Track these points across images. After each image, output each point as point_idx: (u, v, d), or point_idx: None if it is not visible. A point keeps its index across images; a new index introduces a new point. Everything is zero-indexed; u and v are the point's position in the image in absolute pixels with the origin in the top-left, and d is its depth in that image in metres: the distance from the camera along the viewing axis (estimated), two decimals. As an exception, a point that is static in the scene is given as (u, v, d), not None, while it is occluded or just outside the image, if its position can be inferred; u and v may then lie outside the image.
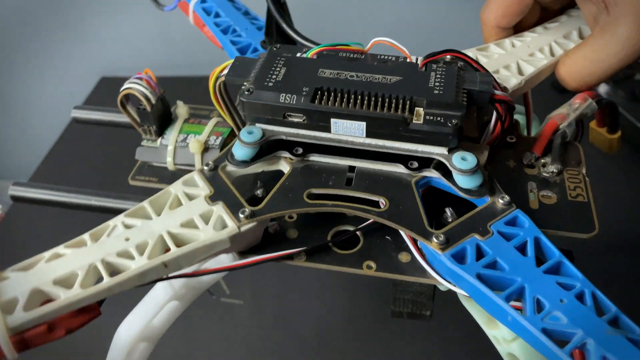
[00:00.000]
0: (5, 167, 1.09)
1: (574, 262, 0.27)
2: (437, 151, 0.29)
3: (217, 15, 0.44)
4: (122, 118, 0.42)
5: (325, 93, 0.29)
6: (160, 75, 0.98)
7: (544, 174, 0.34)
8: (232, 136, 0.37)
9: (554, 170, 0.34)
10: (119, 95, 0.36)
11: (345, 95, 0.29)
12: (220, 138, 0.36)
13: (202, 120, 0.38)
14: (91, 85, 0.98)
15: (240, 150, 0.31)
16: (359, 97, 0.29)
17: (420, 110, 0.29)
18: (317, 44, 0.36)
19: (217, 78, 0.33)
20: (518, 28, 0.41)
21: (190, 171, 0.33)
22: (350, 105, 0.29)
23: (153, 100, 0.36)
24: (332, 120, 0.29)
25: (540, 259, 0.27)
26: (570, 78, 0.37)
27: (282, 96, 0.29)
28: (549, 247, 0.27)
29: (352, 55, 0.33)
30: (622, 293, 0.31)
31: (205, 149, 0.36)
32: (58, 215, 0.72)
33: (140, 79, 0.36)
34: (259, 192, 0.33)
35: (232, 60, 0.32)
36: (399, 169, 0.30)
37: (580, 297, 0.25)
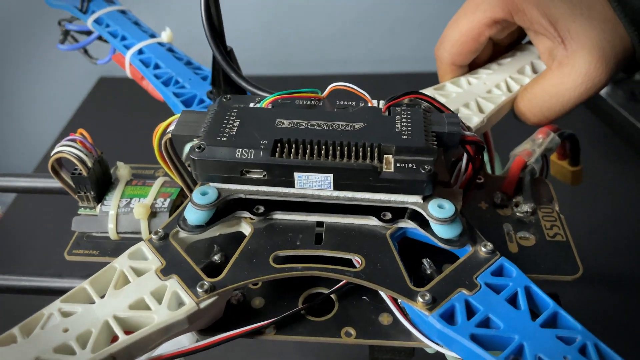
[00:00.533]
0: (5, 167, 1.08)
1: (561, 306, 0.25)
2: (411, 200, 0.27)
3: (156, 66, 0.41)
4: (53, 183, 0.38)
5: (286, 145, 0.27)
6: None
7: (518, 214, 0.33)
8: (182, 197, 0.33)
9: (528, 210, 0.32)
10: (49, 160, 0.32)
11: (309, 146, 0.27)
12: (168, 200, 0.32)
13: (147, 181, 0.34)
14: (90, 85, 0.96)
15: (193, 214, 0.27)
16: (324, 147, 0.27)
17: (390, 157, 0.27)
18: (270, 92, 0.33)
19: (162, 135, 0.29)
20: (472, 65, 0.40)
21: (136, 240, 0.30)
22: (314, 156, 0.27)
23: (89, 164, 0.32)
24: (296, 174, 0.27)
25: (533, 311, 0.25)
26: (530, 113, 0.37)
27: (239, 151, 0.26)
28: (541, 297, 0.25)
29: (309, 102, 0.31)
30: (615, 335, 0.30)
31: (152, 213, 0.32)
32: (56, 216, 0.68)
33: (74, 140, 0.32)
34: (216, 257, 0.29)
35: (177, 115, 0.29)
36: (371, 221, 0.28)
37: (583, 350, 0.23)
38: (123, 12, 0.48)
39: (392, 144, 0.27)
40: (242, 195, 0.28)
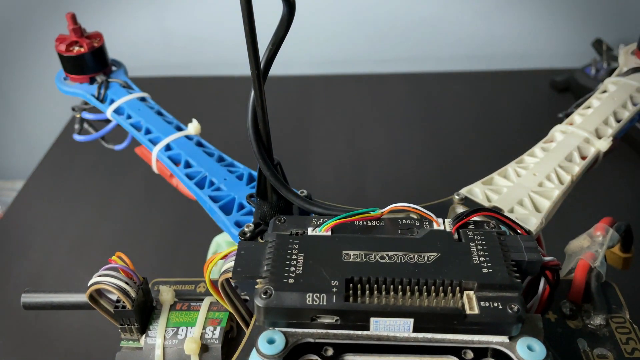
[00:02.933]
0: (5, 167, 1.09)
1: None
2: (496, 340, 0.25)
3: (187, 164, 0.39)
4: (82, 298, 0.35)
5: (359, 286, 0.25)
6: (159, 75, 0.89)
7: (590, 326, 0.31)
8: (231, 321, 0.31)
9: (602, 323, 0.31)
10: (87, 291, 0.30)
11: (384, 286, 0.25)
12: (218, 329, 0.30)
13: (192, 305, 0.32)
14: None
15: (260, 364, 0.25)
16: (400, 286, 0.25)
17: (471, 294, 0.25)
18: (319, 205, 0.32)
19: (211, 269, 0.27)
20: None
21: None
22: (392, 299, 0.25)
23: (133, 294, 0.29)
24: (373, 319, 0.25)
25: None
26: None
27: (309, 297, 0.24)
28: None
29: (368, 223, 0.29)
30: None
31: (204, 347, 0.29)
32: (56, 216, 0.70)
33: (115, 269, 0.30)
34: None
35: (231, 249, 0.27)
36: (451, 361, 0.26)
37: None
38: (143, 99, 0.46)
39: (473, 280, 0.25)
40: (311, 340, 0.25)
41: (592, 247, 0.34)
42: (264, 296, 0.25)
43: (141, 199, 0.71)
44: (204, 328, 0.30)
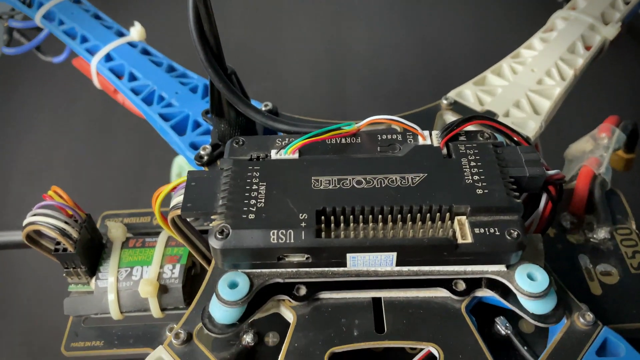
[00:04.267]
0: None
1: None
2: (492, 269, 0.22)
3: (132, 77, 0.34)
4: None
5: (332, 218, 0.21)
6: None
7: (593, 240, 0.28)
8: (192, 256, 0.28)
9: (606, 237, 0.28)
10: (22, 232, 0.26)
11: (361, 217, 0.21)
12: (178, 267, 0.27)
13: (147, 241, 0.28)
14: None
15: (221, 312, 0.22)
16: (380, 216, 0.21)
17: (463, 219, 0.21)
18: (284, 122, 0.27)
19: (160, 203, 0.23)
20: None
21: (146, 318, 0.24)
22: (371, 231, 0.21)
23: (75, 234, 0.25)
24: (349, 255, 0.21)
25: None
26: None
27: (273, 234, 0.21)
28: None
29: (342, 141, 0.24)
30: None
31: (162, 287, 0.26)
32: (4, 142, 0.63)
33: (51, 206, 0.26)
34: (248, 339, 0.24)
35: (182, 179, 0.23)
36: (440, 293, 0.23)
37: None
38: (77, 0, 0.39)
39: (466, 203, 0.21)
40: (280, 280, 0.22)
41: (595, 151, 0.30)
42: (220, 236, 0.21)
43: (97, 117, 0.65)
44: (161, 267, 0.27)
